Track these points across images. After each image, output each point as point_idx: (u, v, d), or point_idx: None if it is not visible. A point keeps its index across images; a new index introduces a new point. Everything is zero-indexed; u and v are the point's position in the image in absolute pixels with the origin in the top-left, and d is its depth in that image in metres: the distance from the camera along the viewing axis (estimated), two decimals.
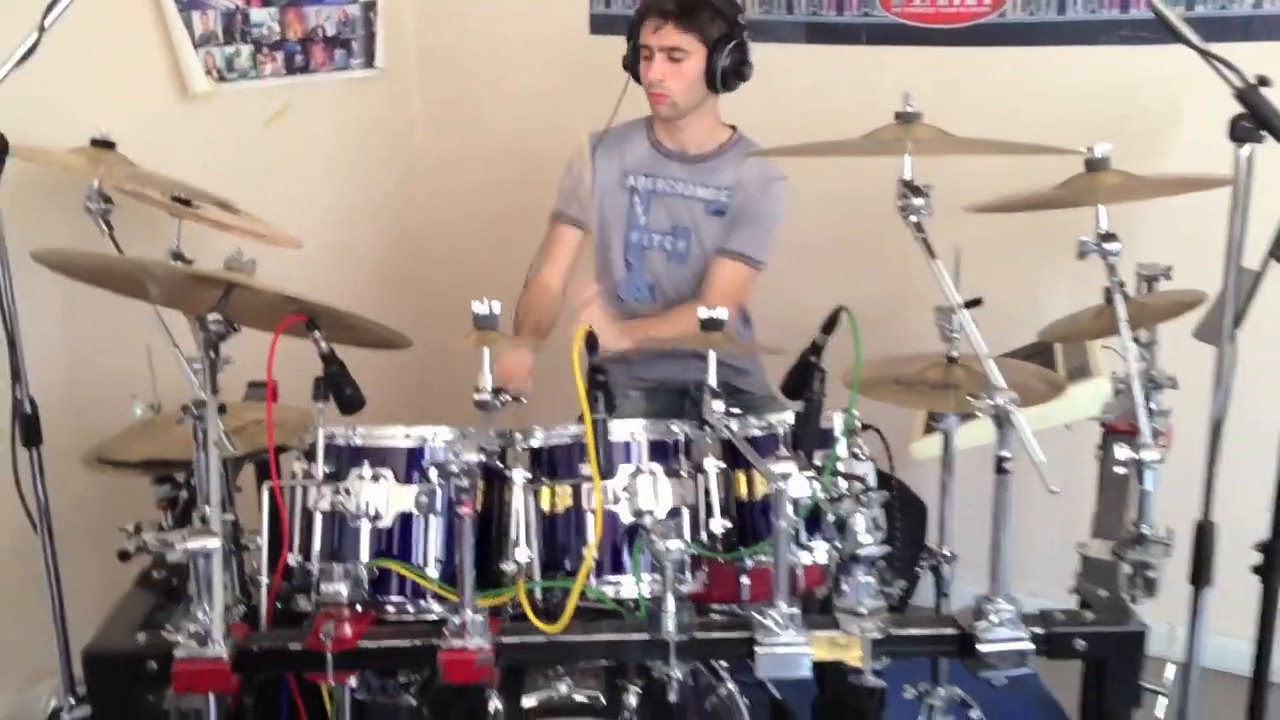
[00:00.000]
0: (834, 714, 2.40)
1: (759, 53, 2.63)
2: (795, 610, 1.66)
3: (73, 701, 1.83)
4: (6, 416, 1.99)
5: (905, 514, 2.08)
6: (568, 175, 2.75)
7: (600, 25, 3.38)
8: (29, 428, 1.92)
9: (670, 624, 1.67)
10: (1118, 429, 2.29)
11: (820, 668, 2.42)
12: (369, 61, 3.45)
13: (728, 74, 2.57)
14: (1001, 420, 1.58)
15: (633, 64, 2.63)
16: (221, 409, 1.77)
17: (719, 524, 1.87)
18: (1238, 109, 1.60)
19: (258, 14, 3.09)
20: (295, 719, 2.05)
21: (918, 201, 1.65)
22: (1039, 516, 2.51)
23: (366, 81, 3.47)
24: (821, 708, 2.46)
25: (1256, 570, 2.10)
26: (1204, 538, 1.74)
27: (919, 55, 2.95)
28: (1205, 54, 1.57)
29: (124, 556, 2.13)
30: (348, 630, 1.70)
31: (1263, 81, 1.55)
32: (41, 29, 1.80)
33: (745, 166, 2.66)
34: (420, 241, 3.79)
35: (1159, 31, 2.54)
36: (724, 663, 2.05)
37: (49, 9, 1.80)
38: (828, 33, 3.06)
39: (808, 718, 2.50)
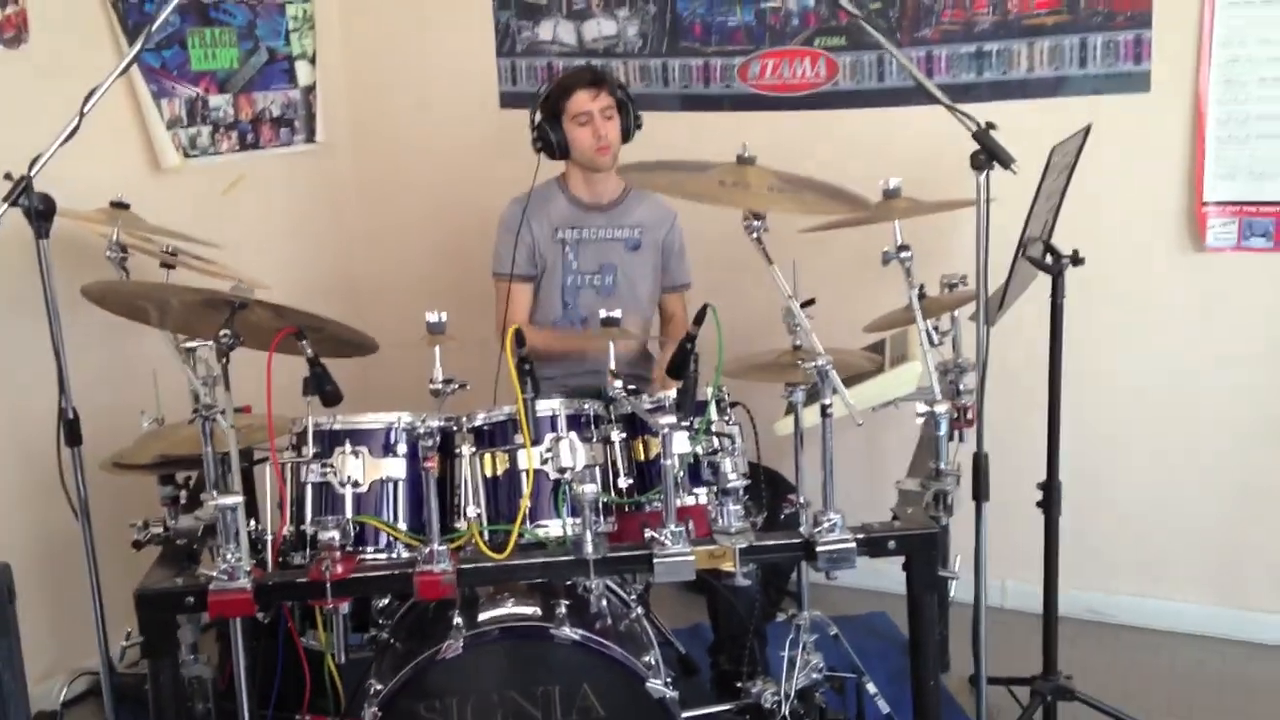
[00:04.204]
0: (726, 644, 2.95)
1: (644, 119, 3.19)
2: (681, 529, 2.19)
3: (129, 630, 2.27)
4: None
5: (770, 485, 2.65)
6: (510, 241, 3.20)
7: (508, 101, 3.91)
8: (72, 430, 2.36)
9: (589, 547, 2.20)
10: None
11: (714, 608, 2.98)
12: (310, 137, 3.96)
13: (631, 128, 3.16)
14: (822, 376, 2.15)
15: (559, 137, 3.10)
16: (222, 412, 2.25)
17: (624, 480, 2.39)
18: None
19: (215, 99, 3.59)
20: (289, 676, 2.53)
21: (757, 223, 2.25)
22: (879, 480, 3.10)
23: (308, 154, 3.97)
24: (715, 641, 3.01)
25: (1039, 504, 2.72)
26: (979, 464, 2.33)
27: (771, 118, 3.54)
28: (950, 108, 2.18)
29: (137, 545, 2.60)
30: (340, 567, 2.20)
31: (990, 125, 2.16)
32: (81, 114, 2.29)
33: (644, 208, 3.25)
34: (358, 283, 4.27)
35: (956, 94, 3.22)
36: (634, 596, 2.58)
37: (87, 99, 2.30)
38: (697, 102, 3.64)
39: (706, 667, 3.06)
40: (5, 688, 1.90)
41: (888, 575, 2.70)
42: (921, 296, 2.55)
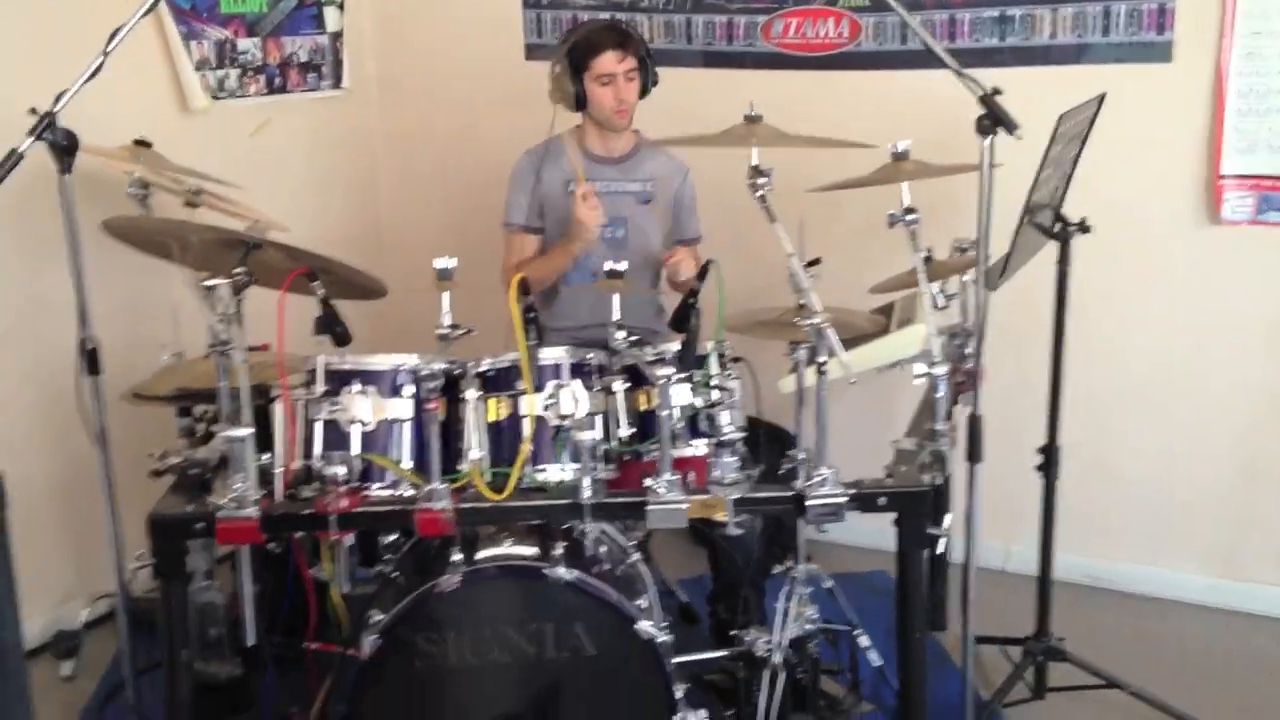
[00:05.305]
0: (724, 594, 3.02)
1: (665, 75, 3.21)
2: (677, 478, 2.25)
3: (140, 552, 2.35)
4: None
5: (771, 441, 2.69)
6: (520, 192, 3.25)
7: (533, 53, 3.94)
8: (92, 360, 2.44)
9: (586, 492, 2.26)
10: None
11: (715, 558, 3.03)
12: (336, 83, 4.01)
13: (649, 84, 3.18)
14: (818, 335, 2.19)
15: (578, 90, 3.10)
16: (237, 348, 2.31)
17: (625, 430, 2.44)
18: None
19: (244, 43, 3.64)
20: (297, 605, 2.61)
21: (761, 180, 2.28)
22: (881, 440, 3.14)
23: (334, 99, 4.02)
24: (714, 590, 3.08)
25: (1038, 468, 2.76)
26: (975, 426, 2.36)
27: (793, 77, 3.56)
28: (959, 73, 2.19)
29: (156, 474, 2.67)
30: (345, 501, 2.27)
31: (996, 91, 2.17)
32: (105, 54, 2.35)
33: (656, 162, 3.27)
34: (381, 229, 4.33)
35: (978, 59, 3.22)
36: (633, 544, 2.65)
37: (111, 38, 2.36)
38: (720, 59, 3.66)
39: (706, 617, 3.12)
40: None
41: (889, 535, 2.74)
42: (929, 260, 2.57)
